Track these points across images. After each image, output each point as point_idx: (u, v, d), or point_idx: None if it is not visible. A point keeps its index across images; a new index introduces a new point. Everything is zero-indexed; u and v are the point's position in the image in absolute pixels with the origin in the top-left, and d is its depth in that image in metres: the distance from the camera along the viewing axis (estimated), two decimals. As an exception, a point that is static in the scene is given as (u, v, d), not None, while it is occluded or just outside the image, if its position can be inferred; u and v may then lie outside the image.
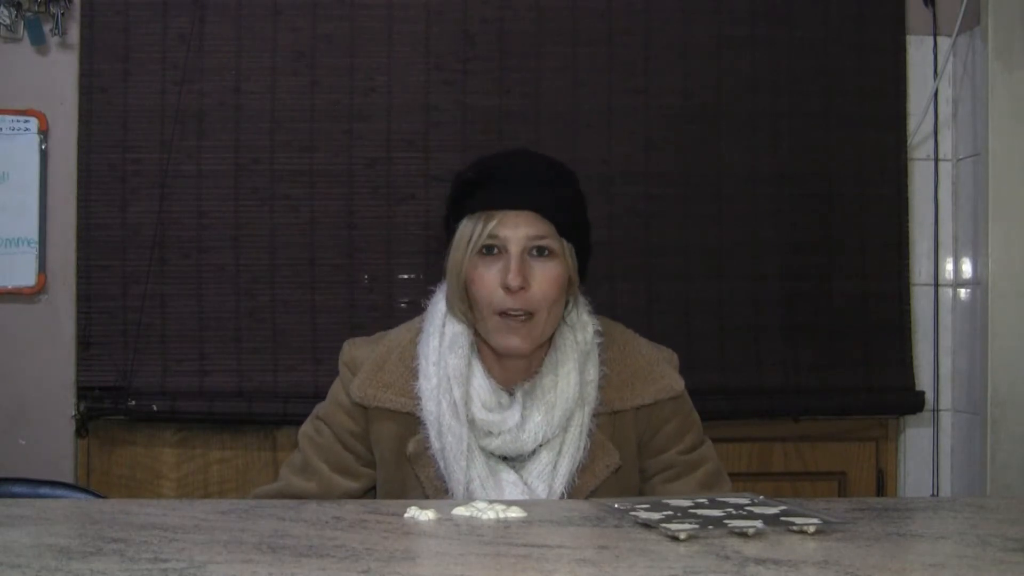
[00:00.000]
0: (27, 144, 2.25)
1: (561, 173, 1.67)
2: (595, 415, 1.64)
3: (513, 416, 1.59)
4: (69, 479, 2.21)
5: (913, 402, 2.38)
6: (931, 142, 2.43)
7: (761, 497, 1.40)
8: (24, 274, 2.24)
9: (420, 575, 1.03)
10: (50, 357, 2.25)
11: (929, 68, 2.43)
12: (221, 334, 2.25)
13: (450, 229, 1.66)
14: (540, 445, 1.60)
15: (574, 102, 2.33)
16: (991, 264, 2.29)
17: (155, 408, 2.21)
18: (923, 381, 2.40)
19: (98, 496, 1.79)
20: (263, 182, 2.28)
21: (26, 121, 2.25)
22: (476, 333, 1.65)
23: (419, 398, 1.62)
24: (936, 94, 2.42)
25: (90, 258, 2.24)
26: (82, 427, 2.23)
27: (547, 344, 1.66)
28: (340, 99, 2.29)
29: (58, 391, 2.24)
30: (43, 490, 1.77)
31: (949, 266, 2.44)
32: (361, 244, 2.28)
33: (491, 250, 1.60)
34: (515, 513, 1.31)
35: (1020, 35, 2.30)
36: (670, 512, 1.29)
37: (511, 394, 1.62)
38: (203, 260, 2.26)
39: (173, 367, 2.24)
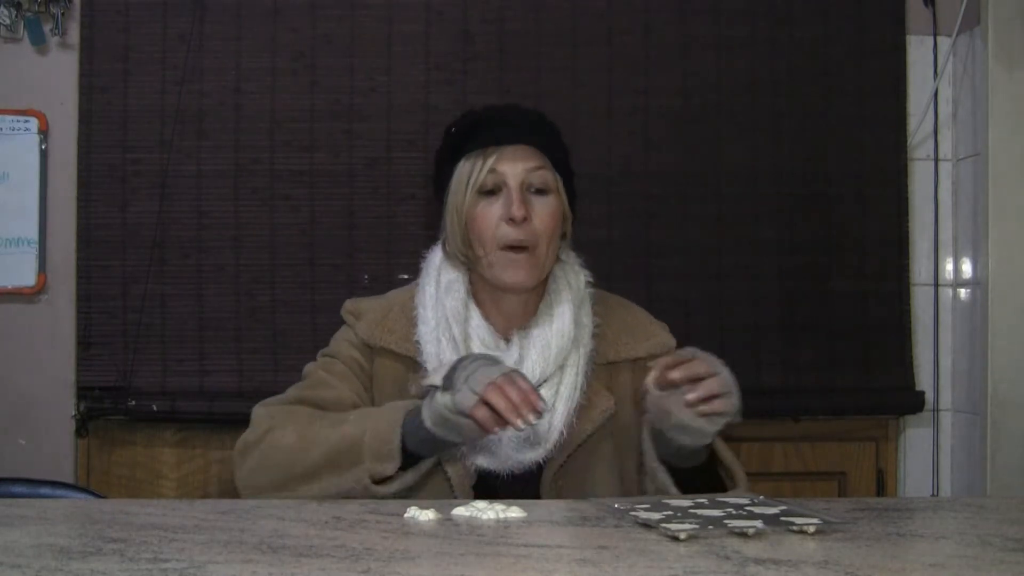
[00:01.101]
0: (27, 144, 2.25)
1: (548, 120, 1.74)
2: (591, 362, 1.68)
3: (511, 356, 1.63)
4: (69, 479, 2.21)
5: (913, 402, 2.38)
6: (931, 142, 2.43)
7: (761, 497, 1.40)
8: (24, 274, 2.24)
9: (420, 575, 1.03)
10: (50, 357, 2.25)
11: (929, 68, 2.43)
12: (221, 334, 2.25)
13: (443, 177, 1.70)
14: (537, 384, 1.61)
15: (574, 102, 2.33)
16: (991, 264, 2.29)
17: (155, 408, 2.21)
18: (923, 381, 2.40)
19: (98, 496, 1.79)
20: (263, 182, 2.28)
21: (26, 121, 2.25)
22: (472, 279, 1.70)
23: (419, 344, 1.67)
24: (936, 94, 2.42)
25: (90, 258, 2.24)
26: (82, 427, 2.23)
27: (542, 289, 1.70)
28: (340, 99, 2.29)
29: (58, 391, 2.24)
30: (43, 490, 1.78)
31: (949, 266, 2.44)
32: (361, 244, 2.28)
33: (491, 190, 1.65)
34: (515, 513, 1.32)
35: (1020, 35, 2.30)
36: (670, 512, 1.29)
37: (508, 341, 1.66)
38: (203, 260, 2.26)
39: (173, 367, 2.24)
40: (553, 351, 1.64)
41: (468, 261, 1.68)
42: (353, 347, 1.70)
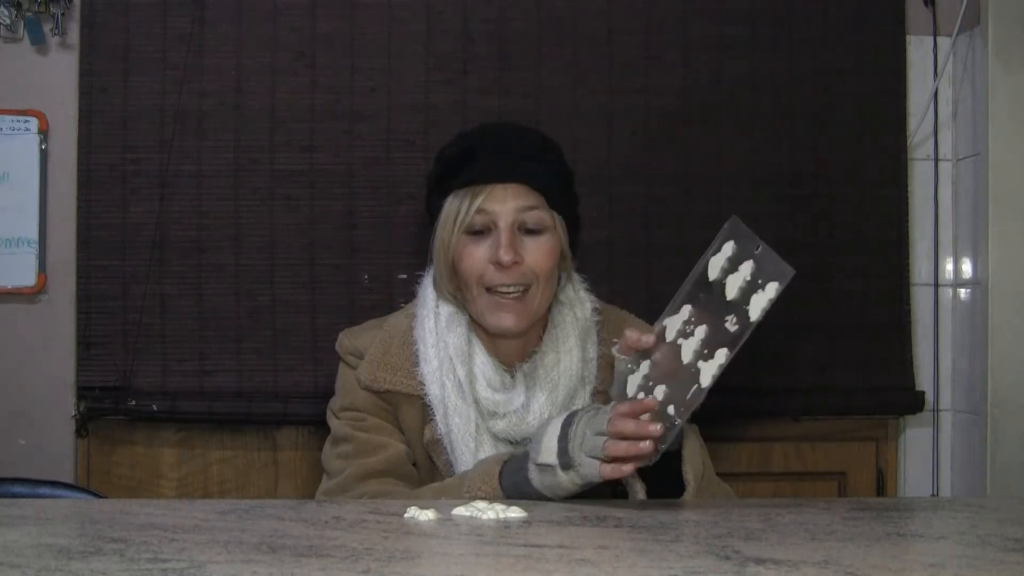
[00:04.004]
0: (27, 144, 2.25)
1: (546, 145, 1.64)
2: (594, 394, 1.63)
3: (518, 397, 1.57)
4: (69, 479, 2.21)
5: (913, 402, 2.38)
6: (931, 142, 2.43)
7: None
8: (24, 274, 2.24)
9: (420, 575, 1.03)
10: (50, 357, 2.25)
11: (929, 68, 2.43)
12: (221, 334, 2.25)
13: (433, 208, 1.63)
14: None
15: (574, 102, 2.33)
16: (991, 264, 2.29)
17: (155, 408, 2.21)
18: (923, 381, 2.40)
19: (98, 496, 1.79)
20: (263, 182, 2.27)
21: (26, 121, 2.25)
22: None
23: (423, 383, 1.61)
24: (936, 94, 2.42)
25: (90, 258, 2.24)
26: (82, 427, 2.23)
27: (543, 321, 1.64)
28: (340, 99, 2.29)
29: (58, 391, 2.24)
30: (43, 490, 1.77)
31: (949, 266, 2.44)
32: (361, 244, 2.28)
33: (479, 229, 1.57)
34: (515, 513, 1.32)
35: (1020, 35, 2.30)
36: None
37: (512, 375, 1.61)
38: (203, 260, 2.26)
39: (173, 367, 2.24)
40: (561, 394, 1.59)
41: (456, 301, 1.62)
42: (367, 392, 1.64)
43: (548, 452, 1.43)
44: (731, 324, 1.40)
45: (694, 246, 2.34)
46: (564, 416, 1.47)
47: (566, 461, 1.40)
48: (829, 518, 1.32)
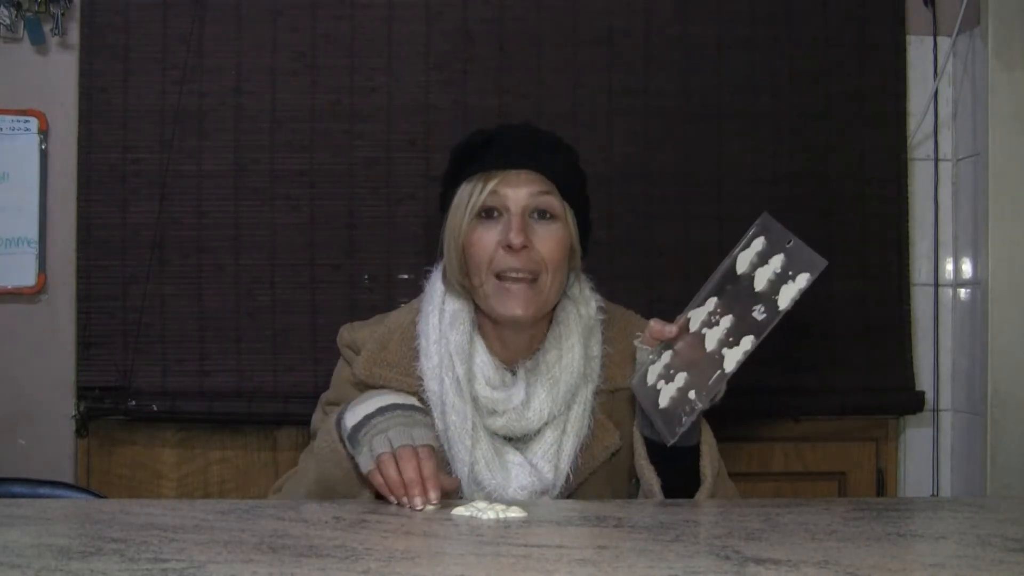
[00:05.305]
0: (27, 144, 2.25)
1: (561, 144, 1.64)
2: (597, 392, 1.62)
3: (518, 394, 1.56)
4: (69, 479, 2.21)
5: (913, 402, 2.38)
6: (931, 142, 2.43)
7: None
8: (24, 274, 2.24)
9: (420, 575, 1.03)
10: (50, 357, 2.25)
11: (929, 68, 2.43)
12: (221, 334, 2.25)
13: (446, 200, 1.63)
14: (544, 424, 1.57)
15: (574, 102, 2.33)
16: (991, 264, 2.29)
17: (155, 408, 2.21)
18: (923, 381, 2.40)
19: (98, 496, 1.80)
20: (263, 182, 2.28)
21: (26, 121, 2.25)
22: (477, 309, 1.62)
23: (421, 379, 1.60)
24: (936, 94, 2.42)
25: (90, 258, 2.24)
26: (82, 427, 2.23)
27: (548, 319, 1.63)
28: (340, 99, 2.29)
29: (58, 391, 2.24)
30: (43, 490, 1.78)
31: (949, 266, 2.44)
32: (361, 244, 2.28)
33: (491, 213, 1.56)
34: (515, 513, 1.32)
35: (1020, 35, 2.30)
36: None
37: (513, 373, 1.60)
38: (203, 260, 2.26)
39: (173, 367, 2.24)
40: (561, 390, 1.57)
41: (465, 291, 1.60)
42: (354, 387, 1.63)
43: (352, 414, 1.49)
44: (759, 313, 1.40)
45: (694, 246, 2.38)
46: (395, 401, 1.51)
47: (352, 438, 1.46)
48: (829, 518, 1.32)
